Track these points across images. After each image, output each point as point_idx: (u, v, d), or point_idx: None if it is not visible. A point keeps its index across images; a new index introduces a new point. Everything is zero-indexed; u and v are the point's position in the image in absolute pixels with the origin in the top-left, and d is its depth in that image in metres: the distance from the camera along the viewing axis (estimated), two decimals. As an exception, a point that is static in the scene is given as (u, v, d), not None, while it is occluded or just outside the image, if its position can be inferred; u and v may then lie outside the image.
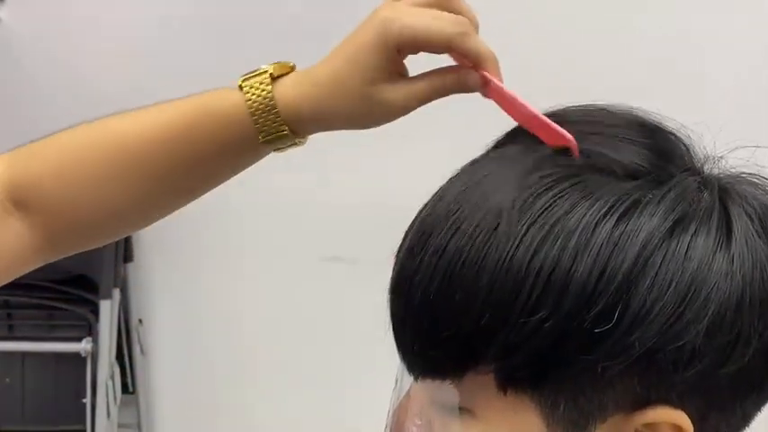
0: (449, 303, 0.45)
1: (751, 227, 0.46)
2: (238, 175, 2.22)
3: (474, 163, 0.51)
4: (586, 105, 0.52)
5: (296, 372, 2.03)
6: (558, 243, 0.44)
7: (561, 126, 0.49)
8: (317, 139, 2.15)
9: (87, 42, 1.89)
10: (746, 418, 0.49)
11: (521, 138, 0.51)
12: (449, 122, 1.37)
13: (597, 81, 1.76)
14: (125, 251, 1.87)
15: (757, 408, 0.49)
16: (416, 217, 0.50)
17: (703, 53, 1.73)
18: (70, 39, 1.89)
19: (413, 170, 1.31)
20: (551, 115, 0.51)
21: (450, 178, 0.50)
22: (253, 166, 2.19)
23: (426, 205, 0.50)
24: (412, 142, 1.87)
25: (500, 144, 0.52)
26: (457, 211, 0.47)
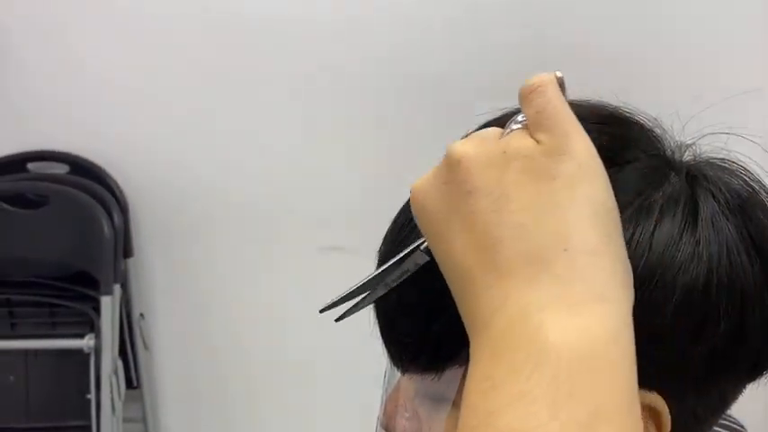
0: (421, 303, 0.47)
1: (717, 209, 0.46)
2: (236, 168, 2.22)
3: None
4: None
5: (299, 362, 2.03)
6: None
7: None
8: (317, 130, 2.14)
9: (84, 33, 1.89)
10: (725, 400, 0.50)
11: None
12: (449, 114, 1.37)
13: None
14: (125, 246, 1.88)
15: (736, 389, 0.50)
16: (394, 219, 0.51)
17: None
18: (66, 30, 1.89)
19: (413, 159, 1.31)
20: (511, 114, 0.51)
21: None
22: (249, 158, 2.18)
23: (401, 209, 0.51)
24: (411, 131, 1.88)
25: None
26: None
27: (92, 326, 1.80)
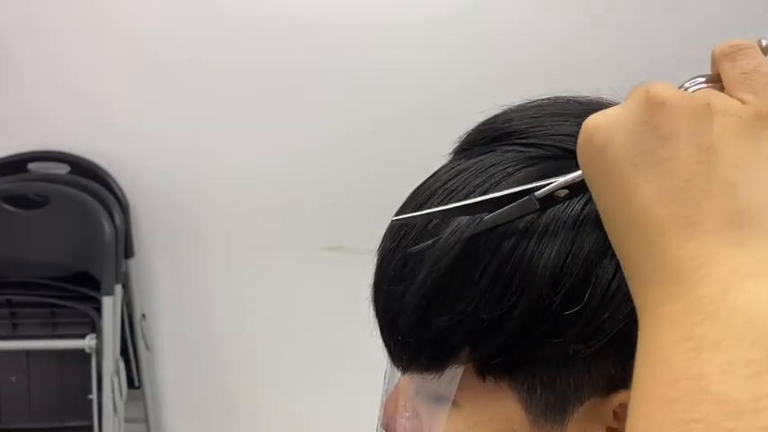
0: (419, 303, 0.46)
1: None
2: (236, 169, 2.21)
3: (443, 166, 0.51)
4: (555, 96, 0.52)
5: (299, 362, 2.03)
6: (522, 230, 0.45)
7: (524, 116, 0.50)
8: (317, 129, 2.14)
9: (84, 34, 1.89)
10: None
11: (487, 136, 0.51)
12: (449, 114, 1.37)
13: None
14: (126, 247, 1.88)
15: None
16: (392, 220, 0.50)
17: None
18: (66, 31, 1.88)
19: (412, 159, 1.31)
20: (515, 110, 0.51)
21: (423, 181, 0.51)
22: (249, 159, 2.18)
23: (399, 207, 0.51)
24: (410, 131, 1.87)
25: (466, 145, 0.52)
26: (423, 211, 0.47)
27: (93, 326, 1.81)
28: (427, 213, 0.46)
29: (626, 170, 0.37)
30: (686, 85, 0.40)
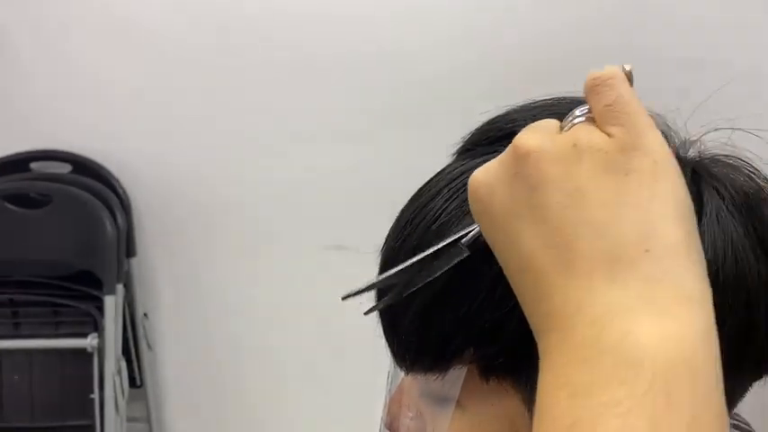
0: (424, 302, 0.46)
1: (723, 206, 0.46)
2: (238, 167, 2.21)
3: (447, 165, 0.52)
4: (559, 96, 0.52)
5: (301, 362, 2.03)
6: None
7: (527, 116, 0.50)
8: (318, 128, 2.12)
9: (86, 33, 1.89)
10: (732, 400, 0.49)
11: (491, 137, 0.51)
12: (450, 113, 1.37)
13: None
14: (128, 246, 1.88)
15: (742, 387, 0.49)
16: (396, 218, 0.50)
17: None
18: (68, 30, 1.88)
19: (414, 157, 1.31)
20: (518, 110, 0.51)
21: (427, 180, 0.51)
22: (251, 157, 2.18)
23: (403, 207, 0.51)
24: (412, 130, 1.87)
25: (470, 145, 0.52)
26: (424, 214, 0.48)
27: (95, 325, 1.81)
28: (382, 278, 0.47)
29: (508, 221, 0.38)
30: (576, 113, 0.40)
